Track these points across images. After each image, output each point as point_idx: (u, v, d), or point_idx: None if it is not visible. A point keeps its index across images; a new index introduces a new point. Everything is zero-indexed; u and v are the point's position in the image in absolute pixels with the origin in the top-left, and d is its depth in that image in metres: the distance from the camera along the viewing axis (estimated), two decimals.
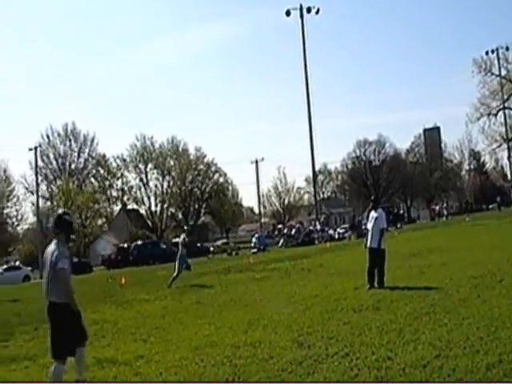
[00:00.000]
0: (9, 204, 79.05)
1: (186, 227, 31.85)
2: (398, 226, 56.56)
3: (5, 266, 57.78)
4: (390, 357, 7.75)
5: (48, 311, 7.45)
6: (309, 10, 61.53)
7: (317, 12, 61.46)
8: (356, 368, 7.42)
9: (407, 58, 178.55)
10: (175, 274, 21.59)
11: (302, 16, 61.89)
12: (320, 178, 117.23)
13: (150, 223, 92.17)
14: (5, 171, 78.10)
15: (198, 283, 21.76)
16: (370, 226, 15.09)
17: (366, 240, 15.22)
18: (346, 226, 78.20)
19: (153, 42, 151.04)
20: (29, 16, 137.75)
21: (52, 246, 7.45)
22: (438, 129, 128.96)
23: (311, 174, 74.04)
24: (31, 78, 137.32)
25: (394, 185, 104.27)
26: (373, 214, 15.12)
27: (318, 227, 59.48)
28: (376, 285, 14.33)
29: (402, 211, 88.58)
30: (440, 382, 6.58)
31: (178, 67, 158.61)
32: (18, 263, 64.58)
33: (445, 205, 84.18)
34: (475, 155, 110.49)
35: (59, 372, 7.34)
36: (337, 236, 60.60)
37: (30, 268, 58.92)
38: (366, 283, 14.53)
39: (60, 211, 7.83)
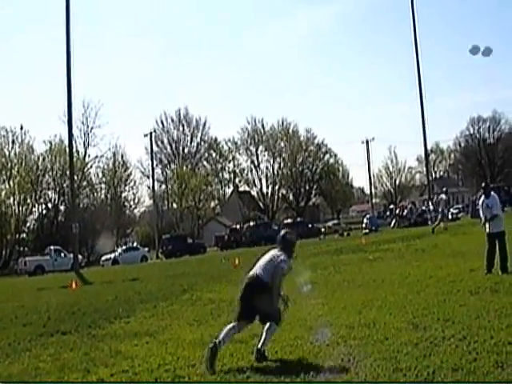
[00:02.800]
0: (126, 188, 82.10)
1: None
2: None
3: (124, 247, 60.05)
4: (510, 341, 7.53)
5: (251, 283, 8.26)
6: None
7: None
8: (474, 352, 7.26)
9: None
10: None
11: None
12: (432, 157, 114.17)
13: (261, 205, 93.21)
14: (122, 156, 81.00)
15: (310, 263, 21.85)
16: (485, 212, 14.38)
17: (484, 226, 14.48)
18: (460, 206, 76.15)
19: (263, 27, 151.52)
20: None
21: (277, 252, 8.44)
22: None
23: (423, 154, 72.57)
24: (145, 66, 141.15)
25: (510, 163, 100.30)
26: (486, 201, 14.42)
27: (431, 208, 58.16)
28: (500, 271, 13.71)
29: None
30: None
31: (288, 50, 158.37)
32: (135, 244, 67.01)
33: None
34: None
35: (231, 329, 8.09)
36: (450, 216, 59.01)
37: (147, 249, 61.00)
38: (485, 268, 13.99)
39: (283, 232, 8.89)
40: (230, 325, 8.13)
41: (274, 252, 8.45)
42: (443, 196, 38.57)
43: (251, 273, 8.35)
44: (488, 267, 13.93)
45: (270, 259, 8.33)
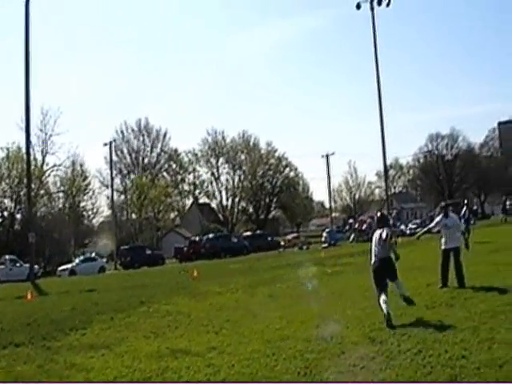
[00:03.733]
0: (85, 197, 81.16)
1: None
2: (472, 222, 55.29)
3: (81, 258, 59.24)
4: (464, 355, 7.63)
5: (382, 263, 11.07)
6: (379, 2, 60.60)
7: (388, 4, 60.47)
8: (429, 365, 7.35)
9: (481, 50, 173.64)
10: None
11: (372, 9, 61.04)
12: (391, 172, 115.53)
13: (221, 217, 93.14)
14: (81, 166, 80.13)
15: (269, 277, 21.86)
16: (444, 231, 14.48)
17: (441, 241, 14.58)
18: (418, 221, 77.02)
19: (226, 40, 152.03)
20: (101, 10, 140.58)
21: (378, 230, 11.36)
22: None
23: (382, 169, 73.21)
24: (106, 75, 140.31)
25: (467, 180, 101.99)
26: (445, 221, 14.50)
27: (390, 222, 58.79)
28: (456, 285, 13.74)
29: (475, 207, 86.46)
30: None
31: (249, 63, 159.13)
32: (93, 255, 66.19)
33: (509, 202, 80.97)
34: None
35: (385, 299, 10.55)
36: (408, 231, 59.68)
37: (105, 259, 60.25)
38: (439, 282, 14.10)
39: (379, 213, 12.38)
40: (381, 298, 10.51)
41: (376, 234, 11.28)
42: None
43: (379, 256, 11.08)
44: (443, 281, 14.06)
45: (378, 239, 11.11)
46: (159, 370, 8.38)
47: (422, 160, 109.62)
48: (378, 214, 12.79)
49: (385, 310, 10.18)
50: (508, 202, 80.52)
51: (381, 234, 11.17)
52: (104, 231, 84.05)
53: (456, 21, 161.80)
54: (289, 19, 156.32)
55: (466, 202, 32.46)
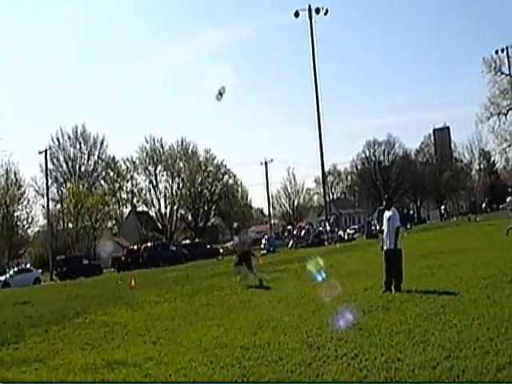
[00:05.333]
0: (19, 207, 79.31)
1: None
2: (408, 226, 56.40)
3: (16, 269, 57.86)
4: (399, 358, 7.73)
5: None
6: (317, 10, 61.23)
7: (325, 13, 61.20)
8: (365, 369, 7.41)
9: (416, 59, 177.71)
10: None
11: (310, 17, 61.65)
12: (329, 178, 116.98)
13: (159, 225, 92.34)
14: (15, 174, 78.37)
15: (207, 285, 21.75)
16: (384, 226, 14.60)
17: (382, 242, 14.70)
18: (356, 226, 78.08)
19: (162, 46, 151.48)
20: (34, 18, 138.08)
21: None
22: (447, 129, 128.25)
23: (320, 175, 73.99)
24: (40, 81, 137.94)
25: (403, 185, 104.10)
26: (386, 213, 14.63)
27: (328, 228, 59.34)
28: (393, 289, 13.91)
29: (411, 212, 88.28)
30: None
31: (187, 70, 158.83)
32: (28, 265, 64.77)
33: (444, 207, 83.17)
34: (485, 155, 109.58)
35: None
36: (346, 237, 60.40)
37: (40, 270, 59.01)
38: (382, 285, 14.18)
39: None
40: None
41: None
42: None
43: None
44: (386, 285, 14.10)
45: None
46: (94, 383, 8.20)
47: (359, 166, 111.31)
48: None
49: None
50: (443, 206, 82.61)
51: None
52: (40, 241, 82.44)
53: (393, 28, 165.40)
54: (223, 28, 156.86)
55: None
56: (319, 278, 18.61)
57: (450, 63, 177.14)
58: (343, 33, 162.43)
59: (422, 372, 7.01)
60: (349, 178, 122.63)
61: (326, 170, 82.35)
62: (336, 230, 63.73)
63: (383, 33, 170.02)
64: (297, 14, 62.36)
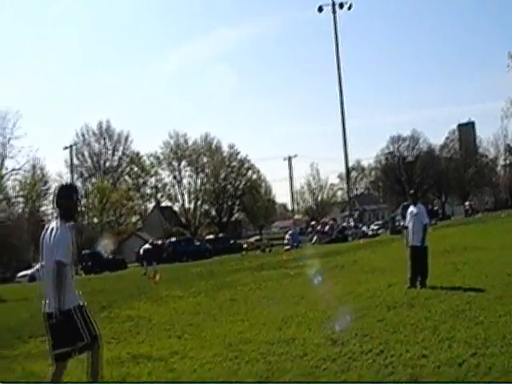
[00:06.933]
0: (45, 202, 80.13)
1: None
2: (433, 222, 56.03)
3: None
4: (424, 355, 7.67)
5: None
6: (341, 5, 61.10)
7: (349, 8, 61.05)
8: (391, 366, 7.37)
9: (441, 54, 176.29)
10: None
11: (334, 12, 61.55)
12: (353, 174, 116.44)
13: (183, 220, 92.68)
14: (41, 170, 79.13)
15: (231, 280, 21.81)
16: (409, 222, 14.46)
17: (407, 238, 14.60)
18: (380, 222, 77.69)
19: (185, 43, 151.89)
20: (61, 18, 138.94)
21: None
22: (472, 124, 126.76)
23: (344, 171, 73.78)
24: (66, 77, 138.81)
25: (428, 181, 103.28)
26: (412, 209, 14.51)
27: (352, 224, 59.19)
28: (418, 285, 13.82)
29: (436, 207, 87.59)
30: (476, 382, 6.50)
31: (211, 67, 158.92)
32: None
33: (468, 202, 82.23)
34: (511, 150, 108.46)
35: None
36: (370, 233, 60.17)
37: None
38: (406, 282, 14.04)
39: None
40: None
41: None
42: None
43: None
44: (411, 281, 13.97)
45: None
46: (120, 377, 8.26)
47: (383, 162, 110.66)
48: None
49: None
50: (467, 202, 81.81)
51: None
52: None
53: (419, 23, 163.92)
54: (246, 22, 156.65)
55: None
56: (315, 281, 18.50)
57: (476, 58, 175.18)
58: (367, 26, 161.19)
59: (448, 369, 6.95)
60: (373, 173, 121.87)
61: (350, 165, 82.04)
62: (360, 225, 63.58)
63: (408, 26, 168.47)
64: (320, 9, 62.30)
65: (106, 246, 59.08)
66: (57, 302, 6.21)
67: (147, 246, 36.74)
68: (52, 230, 6.49)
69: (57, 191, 6.66)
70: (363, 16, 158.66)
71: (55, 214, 6.82)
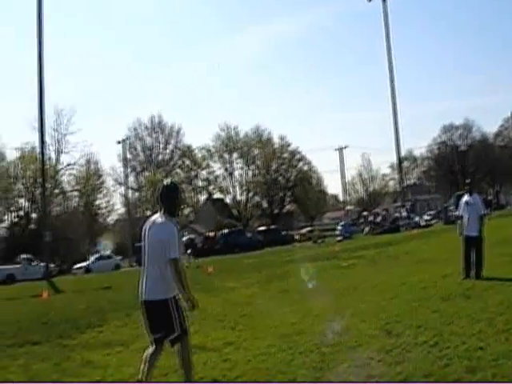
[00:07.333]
0: (99, 196, 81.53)
1: None
2: (488, 212, 55.01)
3: (96, 255, 59.48)
4: (481, 347, 7.55)
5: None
6: None
7: None
8: (446, 358, 7.28)
9: (493, 39, 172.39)
10: None
11: (384, 0, 60.91)
12: (405, 164, 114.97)
13: (235, 212, 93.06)
14: (95, 164, 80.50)
15: (283, 271, 21.84)
16: (464, 212, 14.19)
17: (461, 228, 14.35)
18: (432, 212, 76.63)
19: (236, 35, 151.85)
20: (115, 14, 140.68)
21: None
22: None
23: (396, 161, 72.99)
24: (118, 72, 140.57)
25: (481, 170, 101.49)
26: (467, 199, 14.22)
27: (404, 214, 58.57)
28: (473, 276, 13.58)
29: (490, 197, 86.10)
30: None
31: (262, 58, 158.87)
32: (108, 252, 66.43)
33: None
34: None
35: None
36: (423, 223, 59.43)
37: (120, 257, 60.55)
38: (461, 272, 13.86)
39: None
40: None
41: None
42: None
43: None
44: (466, 271, 13.79)
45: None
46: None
47: (436, 151, 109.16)
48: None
49: None
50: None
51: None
52: (119, 229, 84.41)
53: (469, 9, 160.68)
54: (296, 14, 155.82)
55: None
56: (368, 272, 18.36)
57: None
58: (417, 14, 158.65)
59: (506, 362, 6.82)
60: (425, 163, 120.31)
61: (402, 155, 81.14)
62: (412, 216, 62.85)
63: (459, 13, 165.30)
64: None
65: (106, 245, 59.83)
66: (177, 291, 6.87)
67: (184, 238, 36.99)
68: (159, 223, 6.83)
69: (165, 190, 6.97)
70: (414, 2, 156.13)
71: (157, 208, 7.14)
